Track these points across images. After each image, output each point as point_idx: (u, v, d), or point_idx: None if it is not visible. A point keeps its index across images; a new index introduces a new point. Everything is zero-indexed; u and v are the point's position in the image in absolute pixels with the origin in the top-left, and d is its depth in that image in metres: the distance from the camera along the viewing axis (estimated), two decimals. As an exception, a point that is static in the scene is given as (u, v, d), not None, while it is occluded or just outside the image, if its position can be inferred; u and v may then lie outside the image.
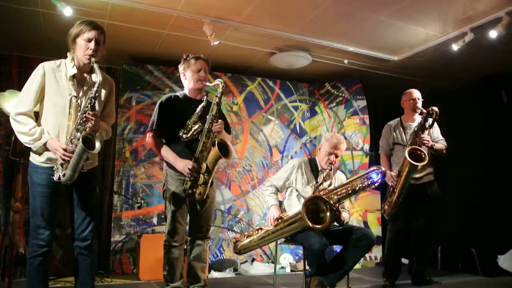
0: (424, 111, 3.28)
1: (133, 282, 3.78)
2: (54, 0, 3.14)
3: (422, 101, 3.51)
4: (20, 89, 3.64)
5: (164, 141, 2.70)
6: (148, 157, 4.49)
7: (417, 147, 3.17)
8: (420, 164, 3.08)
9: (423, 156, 3.09)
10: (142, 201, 4.20)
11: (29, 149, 2.16)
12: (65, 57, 2.25)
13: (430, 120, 3.28)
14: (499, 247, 4.16)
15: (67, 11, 3.24)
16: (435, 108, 3.23)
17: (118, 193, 4.28)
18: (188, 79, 2.76)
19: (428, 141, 3.27)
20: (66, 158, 2.06)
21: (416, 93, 3.53)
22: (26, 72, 4.31)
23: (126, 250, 4.23)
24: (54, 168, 2.13)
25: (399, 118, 3.63)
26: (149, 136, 2.69)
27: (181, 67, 2.79)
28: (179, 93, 2.82)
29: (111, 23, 3.66)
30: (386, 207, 3.35)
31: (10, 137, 3.70)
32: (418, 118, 3.52)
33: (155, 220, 4.37)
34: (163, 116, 2.67)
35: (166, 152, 2.64)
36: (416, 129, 3.29)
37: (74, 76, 2.19)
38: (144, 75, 4.62)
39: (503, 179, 4.63)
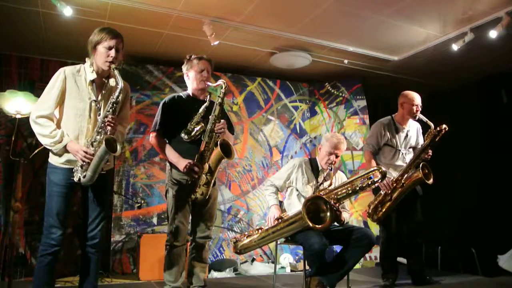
0: (433, 128, 3.28)
1: (133, 282, 3.77)
2: (54, 0, 3.13)
3: (423, 103, 3.50)
4: (20, 89, 3.68)
5: (167, 141, 2.71)
6: (148, 157, 4.49)
7: (427, 166, 3.20)
8: (430, 182, 3.17)
9: (431, 174, 3.18)
10: (142, 201, 4.20)
11: (47, 150, 2.24)
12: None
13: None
14: (499, 247, 4.16)
15: (67, 11, 3.23)
16: (446, 127, 3.25)
17: (118, 193, 4.27)
18: (191, 80, 2.77)
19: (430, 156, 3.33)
20: (87, 160, 2.13)
21: (419, 99, 3.47)
22: (26, 72, 4.31)
23: (126, 250, 4.23)
24: (73, 170, 2.19)
25: (391, 118, 3.55)
26: (152, 136, 2.70)
27: (184, 68, 2.81)
28: (183, 94, 2.83)
29: (111, 23, 3.65)
30: (374, 213, 3.31)
31: (10, 137, 3.71)
32: (411, 122, 3.52)
33: (155, 220, 4.37)
34: (166, 117, 2.68)
35: (169, 152, 2.65)
36: (427, 143, 3.28)
37: (93, 81, 2.26)
38: (144, 75, 4.62)
39: (503, 179, 4.63)
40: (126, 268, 4.20)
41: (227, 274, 4.20)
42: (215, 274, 4.16)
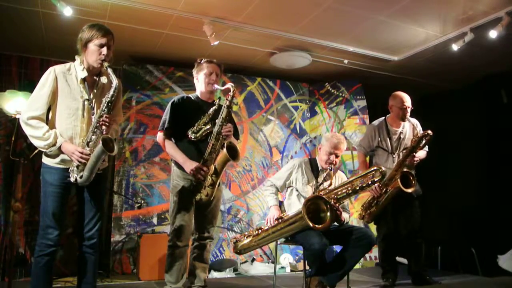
0: (420, 133, 3.22)
1: (133, 282, 3.77)
2: (54, 0, 3.14)
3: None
4: (20, 89, 3.68)
5: (173, 140, 2.73)
6: (148, 157, 4.49)
7: (411, 172, 3.16)
8: (408, 191, 3.09)
9: (413, 182, 3.12)
10: (142, 201, 4.20)
11: (34, 149, 2.19)
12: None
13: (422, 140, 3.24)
14: (499, 247, 4.16)
15: (67, 11, 3.24)
16: (431, 133, 3.17)
17: (118, 193, 4.27)
18: (200, 82, 2.81)
19: (419, 162, 3.30)
20: (83, 161, 2.10)
21: (408, 102, 3.39)
22: (26, 72, 4.31)
23: (126, 250, 4.23)
24: (69, 170, 2.16)
25: (384, 120, 3.52)
26: (160, 135, 2.72)
27: (194, 71, 2.85)
28: (192, 95, 2.86)
29: (111, 23, 3.65)
30: (366, 216, 3.35)
31: (10, 137, 3.71)
32: (404, 124, 3.46)
33: (155, 220, 4.37)
34: (174, 115, 2.70)
35: (175, 152, 2.66)
36: (410, 148, 3.23)
37: (84, 79, 2.22)
38: (144, 75, 4.62)
39: (503, 179, 4.63)
40: (126, 268, 4.19)
41: (227, 274, 4.20)
42: (215, 274, 4.16)
